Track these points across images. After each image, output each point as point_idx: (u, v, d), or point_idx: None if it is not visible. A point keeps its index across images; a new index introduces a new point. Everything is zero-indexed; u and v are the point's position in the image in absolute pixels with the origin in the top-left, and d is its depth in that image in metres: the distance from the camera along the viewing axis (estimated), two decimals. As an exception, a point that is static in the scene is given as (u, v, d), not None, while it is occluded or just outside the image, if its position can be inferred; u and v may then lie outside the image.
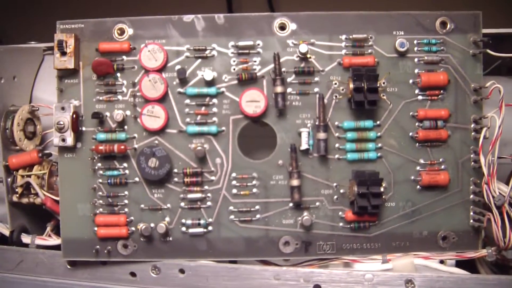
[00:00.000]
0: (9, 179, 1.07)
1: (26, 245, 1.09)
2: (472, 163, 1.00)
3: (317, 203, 1.00)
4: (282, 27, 1.00)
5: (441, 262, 1.00)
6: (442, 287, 0.95)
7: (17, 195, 1.07)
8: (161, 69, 0.99)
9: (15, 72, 1.13)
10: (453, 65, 1.00)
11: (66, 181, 1.01)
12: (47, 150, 1.11)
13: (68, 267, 1.04)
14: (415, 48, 1.00)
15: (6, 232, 1.10)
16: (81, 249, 1.01)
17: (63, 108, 0.98)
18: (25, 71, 1.17)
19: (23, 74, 1.16)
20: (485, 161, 0.96)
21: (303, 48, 0.98)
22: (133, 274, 1.02)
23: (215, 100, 1.00)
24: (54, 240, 1.08)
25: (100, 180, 1.01)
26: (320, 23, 1.00)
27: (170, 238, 1.01)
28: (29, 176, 1.06)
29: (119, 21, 1.01)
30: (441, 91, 1.00)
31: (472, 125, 1.00)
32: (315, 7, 1.03)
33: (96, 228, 1.00)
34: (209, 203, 1.00)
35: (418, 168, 1.00)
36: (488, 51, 0.99)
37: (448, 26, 1.00)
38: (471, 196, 1.00)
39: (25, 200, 1.07)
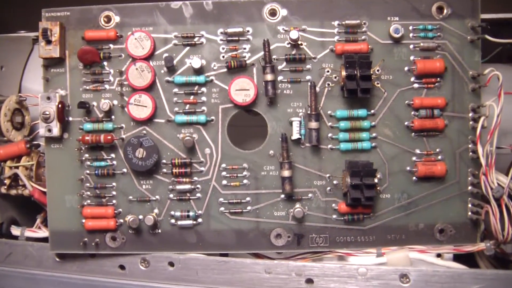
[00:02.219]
0: (-3, 171, 1.05)
1: (16, 237, 1.07)
2: (470, 153, 0.97)
3: (310, 195, 0.97)
4: (273, 13, 0.97)
5: (438, 255, 0.97)
6: (438, 281, 0.92)
7: (5, 187, 1.05)
8: (148, 57, 0.97)
9: (3, 62, 1.12)
10: (450, 52, 0.96)
11: (53, 173, 0.99)
12: (36, 141, 1.09)
13: (57, 259, 1.03)
14: (411, 34, 0.96)
15: (-4, 224, 1.09)
16: (69, 241, 0.99)
17: (48, 98, 0.96)
18: (14, 61, 1.15)
19: (11, 64, 1.14)
20: (483, 151, 0.92)
21: (294, 34, 0.94)
22: (122, 267, 1.00)
23: (204, 89, 0.97)
24: (44, 232, 1.06)
25: (88, 171, 0.99)
26: (311, 9, 0.97)
27: (159, 230, 0.99)
28: (17, 167, 1.04)
29: (105, 8, 0.98)
30: (438, 78, 0.96)
31: (470, 114, 0.96)
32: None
33: (83, 220, 0.98)
34: (198, 195, 0.98)
35: (414, 158, 0.97)
36: (487, 36, 0.95)
37: (445, 11, 0.96)
38: (469, 188, 0.97)
39: (13, 192, 1.05)
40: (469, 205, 0.97)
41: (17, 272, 1.04)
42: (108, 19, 0.98)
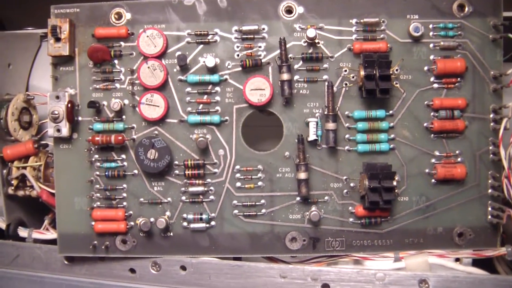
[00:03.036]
0: (4, 171, 1.03)
1: (23, 239, 1.05)
2: (491, 155, 0.94)
3: (326, 197, 0.95)
4: (289, 11, 0.94)
5: (457, 260, 0.95)
6: (459, 287, 0.89)
7: (13, 188, 1.03)
8: (160, 56, 0.94)
9: (10, 59, 1.09)
10: (471, 51, 0.94)
11: (62, 174, 0.97)
12: (44, 140, 1.06)
13: (65, 262, 1.00)
14: (431, 33, 0.94)
15: (2, 226, 1.06)
16: (78, 244, 0.97)
17: (57, 97, 0.94)
18: (21, 58, 1.12)
19: (19, 62, 1.11)
20: (505, 153, 0.90)
21: (311, 33, 0.92)
22: (132, 270, 0.98)
23: (217, 88, 0.95)
24: (52, 234, 1.04)
25: (98, 173, 0.96)
26: (329, 6, 0.94)
27: (171, 234, 0.96)
28: (25, 168, 1.02)
29: (116, 5, 0.96)
30: (458, 78, 0.94)
31: (491, 115, 0.94)
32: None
33: (93, 223, 0.96)
34: (211, 197, 0.95)
35: (433, 160, 0.94)
36: (510, 35, 0.92)
37: (466, 9, 0.94)
38: (489, 191, 0.94)
39: (20, 193, 1.03)
40: (489, 209, 0.95)
41: (24, 275, 1.02)
42: (119, 16, 0.96)
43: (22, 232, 1.05)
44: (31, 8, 1.18)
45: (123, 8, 0.95)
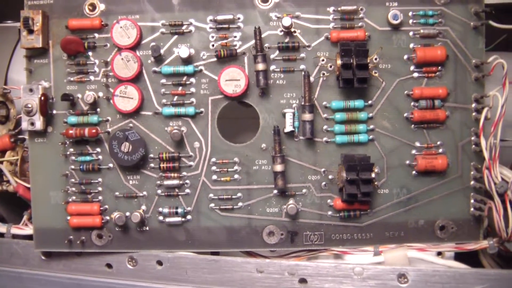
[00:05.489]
0: (-20, 166, 1.01)
1: (2, 235, 1.03)
2: (473, 146, 0.92)
3: (304, 190, 0.93)
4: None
5: (439, 254, 0.92)
6: (439, 281, 0.87)
7: (-11, 183, 1.01)
8: (134, 47, 0.93)
9: (-12, 53, 1.08)
10: (452, 39, 0.91)
11: (37, 168, 0.96)
12: (21, 135, 1.05)
13: (43, 258, 0.99)
14: (410, 21, 0.91)
15: (-19, 222, 1.05)
16: (54, 239, 0.96)
17: (31, 90, 0.93)
18: (-1, 52, 1.11)
19: (-4, 55, 1.10)
20: (486, 144, 0.87)
21: (287, 21, 0.90)
22: (109, 265, 0.97)
23: (192, 79, 0.93)
24: (31, 229, 1.02)
25: (72, 166, 0.95)
26: (306, -5, 0.92)
27: (147, 228, 0.95)
28: (1, 162, 1.00)
29: (90, -5, 0.94)
30: (439, 67, 0.91)
31: (473, 105, 0.92)
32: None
33: (68, 217, 0.94)
34: (187, 190, 0.94)
35: (413, 151, 0.92)
36: (491, 22, 0.90)
37: (447, -5, 0.91)
38: (472, 182, 0.92)
39: (-3, 188, 1.02)
40: (472, 201, 0.92)
41: (2, 270, 1.01)
42: (93, 7, 0.94)
43: (1, 228, 1.04)
44: (10, 1, 1.17)
45: (97, -1, 0.94)
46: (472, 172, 0.92)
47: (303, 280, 0.90)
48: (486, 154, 0.87)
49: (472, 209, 0.92)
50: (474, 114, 0.92)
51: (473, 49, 0.91)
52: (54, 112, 0.94)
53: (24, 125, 0.93)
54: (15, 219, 1.07)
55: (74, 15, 0.94)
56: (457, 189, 0.92)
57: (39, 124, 0.93)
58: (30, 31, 0.93)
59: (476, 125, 0.91)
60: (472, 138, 0.92)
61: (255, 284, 0.91)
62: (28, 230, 1.02)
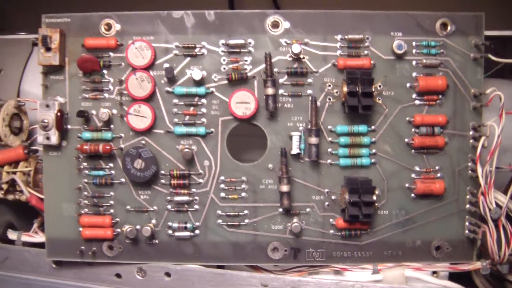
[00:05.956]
0: (-6, 175, 1.04)
1: (12, 242, 1.07)
2: (470, 171, 0.96)
3: (308, 209, 0.97)
4: (275, 25, 0.96)
5: (434, 273, 0.97)
6: (433, 300, 0.92)
7: (2, 192, 1.04)
8: (148, 67, 0.96)
9: (2, 65, 1.11)
10: (452, 69, 0.96)
11: (50, 180, 0.99)
12: (34, 145, 1.08)
13: (53, 266, 1.02)
14: (414, 50, 0.96)
15: (-8, 229, 1.08)
16: (66, 249, 0.99)
17: (47, 106, 0.96)
18: (13, 64, 1.14)
19: (10, 67, 1.13)
20: (482, 171, 0.92)
21: (296, 48, 0.94)
22: (118, 275, 1.00)
23: (204, 100, 0.96)
24: (41, 237, 1.05)
25: (86, 180, 0.98)
26: (314, 22, 0.96)
27: (156, 241, 0.98)
28: (15, 173, 1.03)
29: (106, 16, 0.97)
30: (439, 96, 0.96)
31: (471, 132, 0.96)
32: (320, 4, 0.98)
33: (81, 229, 0.98)
34: (196, 206, 0.98)
35: (413, 175, 0.97)
36: (490, 56, 0.94)
37: (449, 27, 0.95)
38: (467, 206, 0.97)
39: (10, 197, 1.05)
40: (467, 223, 0.97)
41: (13, 277, 1.04)
42: (109, 26, 0.97)
43: (12, 235, 1.07)
44: (23, 13, 1.20)
45: (113, 19, 0.97)
46: (468, 196, 0.97)
47: (305, 295, 0.95)
48: (482, 181, 0.92)
49: (466, 231, 0.97)
50: (471, 141, 0.96)
51: (472, 79, 0.96)
52: (69, 127, 0.98)
53: (40, 139, 0.96)
54: (24, 227, 1.10)
55: (90, 34, 0.97)
56: (453, 212, 0.97)
57: (54, 139, 0.96)
58: (48, 49, 0.96)
59: (473, 151, 0.96)
60: (469, 164, 0.96)
61: (259, 298, 0.96)
62: (38, 238, 1.06)
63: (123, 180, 0.98)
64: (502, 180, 1.01)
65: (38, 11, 1.00)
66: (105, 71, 0.97)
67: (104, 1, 1.09)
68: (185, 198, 0.97)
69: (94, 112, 0.97)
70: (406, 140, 0.96)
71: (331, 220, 0.97)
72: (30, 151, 1.05)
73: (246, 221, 0.97)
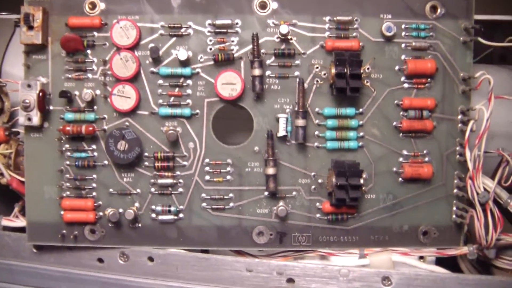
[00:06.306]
0: (-26, 158, 1.02)
1: (-7, 226, 1.05)
2: (458, 156, 0.96)
3: (294, 193, 0.96)
4: (263, 6, 0.94)
5: (421, 258, 0.96)
6: (420, 285, 0.91)
7: (-18, 175, 1.02)
8: (133, 47, 0.94)
9: (-17, 46, 1.08)
10: (442, 52, 0.95)
11: (32, 162, 0.97)
12: (15, 128, 1.06)
13: (34, 251, 1.00)
14: (403, 33, 0.95)
15: (-29, 212, 1.06)
16: (47, 233, 0.97)
17: (29, 86, 0.93)
18: (-6, 44, 1.11)
19: (-9, 47, 1.10)
20: (470, 155, 0.91)
21: (284, 29, 0.92)
22: (100, 260, 0.98)
23: (189, 81, 0.95)
24: (22, 222, 1.03)
25: (68, 162, 0.96)
26: (303, 3, 0.94)
27: (139, 225, 0.97)
28: (-5, 155, 1.01)
29: (90, -7, 0.95)
30: (428, 79, 0.95)
31: (459, 117, 0.95)
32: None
33: (62, 212, 0.96)
34: (180, 189, 0.96)
35: (400, 159, 0.96)
36: (480, 39, 0.93)
37: (439, 10, 0.94)
38: (455, 191, 0.96)
39: (-10, 180, 1.02)
40: (454, 208, 0.96)
41: (-7, 262, 1.02)
42: (93, 5, 0.95)
43: (-9, 219, 1.05)
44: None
45: (98, -2, 0.95)
46: (455, 181, 0.96)
47: (290, 280, 0.93)
48: (470, 165, 0.91)
49: (454, 216, 0.96)
50: (460, 125, 0.95)
51: (461, 63, 0.95)
52: (51, 108, 0.95)
53: (21, 120, 0.94)
54: (5, 211, 1.08)
55: (74, 13, 0.95)
56: (440, 197, 0.96)
57: (36, 119, 0.94)
58: (30, 27, 0.94)
59: (461, 135, 0.95)
60: (457, 148, 0.95)
61: (244, 283, 0.94)
62: (19, 222, 1.04)
63: (106, 162, 0.96)
64: (490, 166, 1.00)
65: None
66: (88, 51, 0.95)
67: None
68: (169, 181, 0.95)
69: (77, 92, 0.95)
70: (394, 123, 0.95)
71: (317, 204, 0.96)
72: (11, 133, 1.03)
73: (231, 204, 0.96)
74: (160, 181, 0.95)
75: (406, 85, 0.95)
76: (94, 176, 0.96)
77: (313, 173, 0.95)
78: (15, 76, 1.09)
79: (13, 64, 1.12)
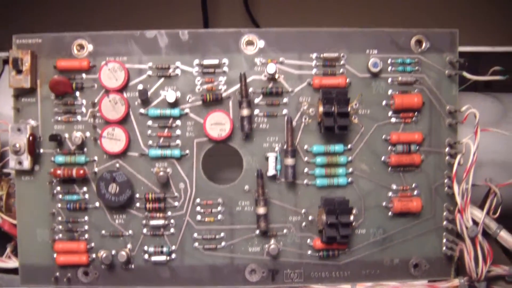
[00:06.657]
0: (-35, 199, 1.02)
1: (-16, 267, 1.04)
2: (446, 188, 0.96)
3: (285, 230, 0.96)
4: (250, 44, 0.94)
5: (413, 291, 0.97)
6: (412, 319, 0.92)
7: (-26, 216, 1.02)
8: (122, 89, 0.94)
9: (-29, 84, 1.08)
10: (428, 86, 0.96)
11: (24, 205, 0.97)
12: (6, 168, 1.05)
13: (27, 292, 1.00)
14: (389, 68, 0.95)
15: (-37, 253, 1.06)
16: (40, 276, 0.97)
17: (19, 130, 0.94)
18: (-17, 83, 1.11)
19: (-20, 86, 1.10)
20: (459, 189, 0.92)
21: (271, 68, 0.93)
22: (94, 301, 0.98)
23: (178, 122, 0.95)
24: (14, 262, 1.03)
25: (59, 205, 0.96)
26: (289, 41, 0.95)
27: (132, 266, 0.97)
28: (-14, 197, 1.01)
29: (78, 36, 0.95)
30: (415, 113, 0.96)
31: (447, 149, 0.96)
32: (299, 21, 0.97)
33: (55, 255, 0.96)
34: (172, 230, 0.96)
35: (390, 194, 0.96)
36: (464, 73, 0.94)
37: (424, 44, 0.95)
38: (444, 223, 0.97)
39: (-18, 222, 1.02)
40: (444, 240, 0.97)
41: (-15, 303, 1.02)
42: (81, 47, 0.95)
43: (-16, 260, 1.05)
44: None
45: (85, 40, 0.95)
46: (444, 213, 0.97)
47: (284, 318, 0.94)
48: (458, 199, 0.92)
49: (444, 248, 0.97)
50: (447, 158, 0.96)
51: (447, 95, 0.96)
52: (42, 151, 0.96)
53: (12, 164, 0.94)
54: (-2, 251, 1.08)
55: (63, 55, 0.95)
56: (430, 229, 0.97)
57: (27, 163, 0.94)
58: (19, 71, 0.94)
59: (449, 168, 0.96)
60: (445, 180, 0.96)
61: (238, 321, 0.95)
62: (12, 263, 1.03)
63: (97, 204, 0.96)
64: (478, 194, 1.01)
65: (8, 28, 0.98)
66: (77, 93, 0.95)
67: (76, 21, 1.08)
68: (161, 221, 0.96)
69: (67, 135, 0.96)
70: (383, 158, 0.96)
71: (308, 240, 0.96)
72: (1, 174, 1.03)
73: (223, 243, 0.96)
74: (152, 222, 0.96)
75: (393, 119, 0.96)
76: (86, 218, 0.96)
77: (303, 210, 0.96)
78: (4, 115, 1.09)
79: (3, 103, 1.11)
